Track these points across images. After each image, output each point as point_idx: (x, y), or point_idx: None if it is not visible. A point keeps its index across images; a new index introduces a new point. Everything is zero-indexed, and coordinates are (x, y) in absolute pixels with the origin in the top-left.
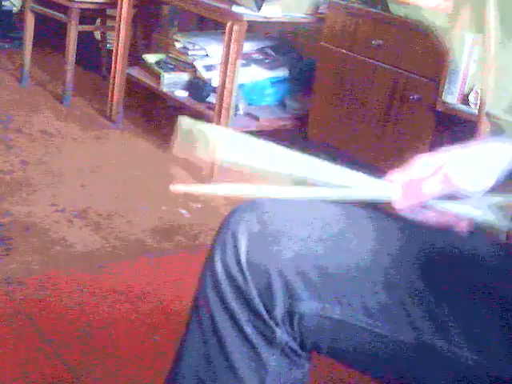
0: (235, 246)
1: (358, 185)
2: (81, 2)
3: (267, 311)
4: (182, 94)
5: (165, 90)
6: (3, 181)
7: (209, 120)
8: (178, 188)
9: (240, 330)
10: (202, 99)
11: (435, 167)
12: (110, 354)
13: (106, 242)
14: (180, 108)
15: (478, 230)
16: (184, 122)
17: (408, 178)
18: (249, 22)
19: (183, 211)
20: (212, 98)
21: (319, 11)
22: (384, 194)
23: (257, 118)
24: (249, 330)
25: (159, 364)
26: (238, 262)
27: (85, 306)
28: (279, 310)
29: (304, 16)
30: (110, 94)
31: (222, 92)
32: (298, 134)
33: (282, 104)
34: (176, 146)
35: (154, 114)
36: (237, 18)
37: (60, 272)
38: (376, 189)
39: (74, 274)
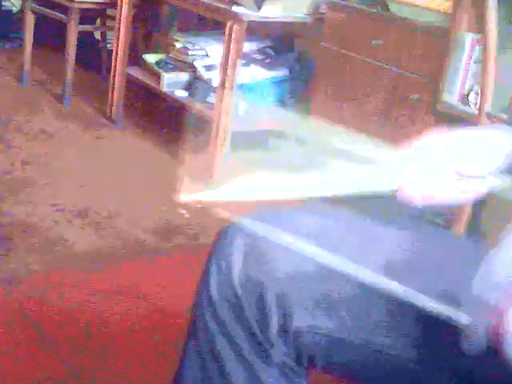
0: (228, 267)
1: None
2: (81, 2)
3: (262, 330)
4: (181, 93)
5: (165, 89)
6: (3, 181)
7: (209, 120)
8: (185, 197)
9: (237, 350)
10: (202, 99)
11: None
12: (109, 354)
13: (105, 241)
14: (180, 108)
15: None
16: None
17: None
18: (249, 22)
19: (183, 211)
20: (212, 98)
21: (319, 11)
22: (390, 178)
23: (257, 118)
24: (245, 349)
25: (159, 364)
26: (232, 283)
27: (85, 306)
28: (274, 328)
29: (304, 16)
30: (110, 94)
31: (222, 92)
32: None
33: (282, 104)
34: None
35: (154, 114)
36: (237, 17)
37: (60, 272)
38: (381, 175)
39: (73, 273)
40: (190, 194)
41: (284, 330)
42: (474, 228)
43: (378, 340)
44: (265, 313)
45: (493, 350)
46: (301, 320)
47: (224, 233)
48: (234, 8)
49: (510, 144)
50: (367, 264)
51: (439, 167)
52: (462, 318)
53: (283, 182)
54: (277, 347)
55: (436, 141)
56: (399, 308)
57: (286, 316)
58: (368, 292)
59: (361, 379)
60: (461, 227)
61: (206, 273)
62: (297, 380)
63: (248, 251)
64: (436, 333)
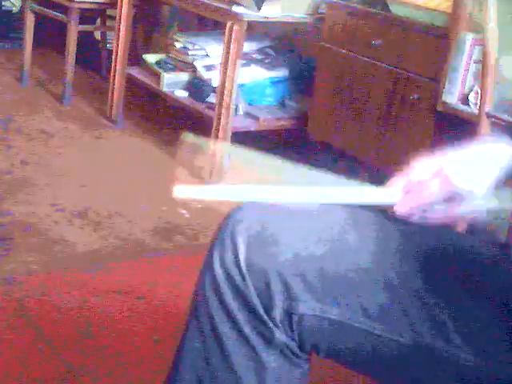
0: (234, 248)
1: (361, 193)
2: (81, 2)
3: (266, 312)
4: (182, 93)
5: (165, 89)
6: (3, 181)
7: (209, 120)
8: (180, 192)
9: (239, 330)
10: (202, 99)
11: (434, 170)
12: (109, 354)
13: (105, 241)
14: (180, 108)
15: (478, 232)
16: (188, 137)
17: (408, 182)
18: (249, 22)
19: (183, 211)
20: (212, 98)
21: (319, 11)
22: (385, 199)
23: (257, 118)
24: (248, 330)
25: (159, 364)
26: (237, 263)
27: (85, 306)
28: (278, 311)
29: (304, 16)
30: (109, 94)
31: (222, 92)
32: (297, 133)
33: (281, 104)
34: (181, 156)
35: (154, 114)
36: (237, 17)
37: (60, 272)
38: (378, 194)
39: (74, 273)
40: (185, 190)
41: (288, 313)
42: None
43: (382, 328)
44: (269, 295)
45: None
46: (305, 305)
47: (231, 214)
48: (234, 8)
49: (506, 157)
50: (363, 254)
51: (434, 187)
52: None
53: (280, 185)
54: (280, 330)
55: (430, 162)
56: (404, 296)
57: (290, 300)
58: (373, 279)
59: (363, 367)
60: (462, 227)
61: (210, 253)
62: (299, 364)
63: (254, 233)
64: (441, 327)
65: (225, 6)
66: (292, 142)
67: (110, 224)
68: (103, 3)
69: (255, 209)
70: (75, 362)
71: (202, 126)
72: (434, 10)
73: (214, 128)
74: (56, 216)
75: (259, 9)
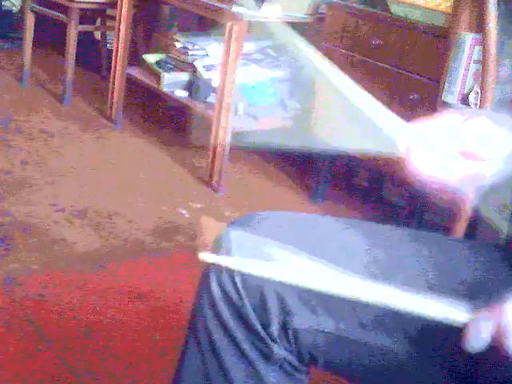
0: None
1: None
2: (81, 2)
3: (263, 328)
4: (181, 93)
5: (165, 90)
6: (3, 181)
7: (209, 120)
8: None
9: (238, 347)
10: (202, 99)
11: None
12: (110, 354)
13: (106, 241)
14: (180, 108)
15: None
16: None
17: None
18: (249, 22)
19: (183, 211)
20: (212, 98)
21: (319, 11)
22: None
23: (257, 118)
24: (246, 347)
25: (159, 364)
26: (233, 281)
27: (85, 306)
28: (275, 326)
29: (304, 16)
30: (109, 94)
31: (222, 92)
32: (297, 133)
33: (281, 104)
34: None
35: (154, 114)
36: (237, 18)
37: (60, 272)
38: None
39: (74, 273)
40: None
41: (285, 327)
42: (475, 228)
43: (379, 339)
44: (265, 311)
45: (494, 347)
46: (301, 318)
47: (227, 230)
48: (234, 8)
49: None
50: (361, 271)
51: (446, 147)
52: (460, 316)
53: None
54: (278, 345)
55: (446, 120)
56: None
57: (285, 315)
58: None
59: (362, 377)
60: (461, 227)
61: (207, 270)
62: (298, 377)
63: (248, 251)
64: (437, 332)
65: (225, 6)
66: (291, 142)
67: (110, 224)
68: (103, 3)
69: (249, 225)
70: (75, 362)
71: (202, 126)
72: (434, 10)
73: (213, 128)
74: (56, 216)
75: (259, 9)
